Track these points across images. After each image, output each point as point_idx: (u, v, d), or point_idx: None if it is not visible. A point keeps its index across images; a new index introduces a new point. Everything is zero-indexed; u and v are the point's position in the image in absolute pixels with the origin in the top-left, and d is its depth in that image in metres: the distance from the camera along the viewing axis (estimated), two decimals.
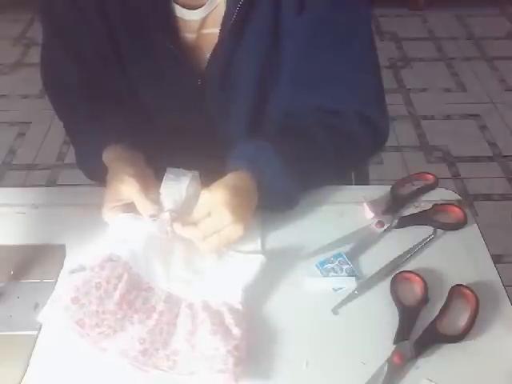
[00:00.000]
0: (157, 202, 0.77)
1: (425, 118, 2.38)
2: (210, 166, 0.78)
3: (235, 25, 0.80)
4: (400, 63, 2.70)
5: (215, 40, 0.83)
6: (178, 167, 0.81)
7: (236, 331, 0.66)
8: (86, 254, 0.73)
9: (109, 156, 0.83)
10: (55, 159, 2.17)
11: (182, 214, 0.76)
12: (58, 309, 0.66)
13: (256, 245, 0.79)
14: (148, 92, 0.91)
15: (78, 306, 0.66)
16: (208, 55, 0.85)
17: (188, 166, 0.82)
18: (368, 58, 0.88)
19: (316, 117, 0.85)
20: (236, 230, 0.73)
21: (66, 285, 0.69)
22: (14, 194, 0.90)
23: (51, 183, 2.07)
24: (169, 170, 0.80)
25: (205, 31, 0.85)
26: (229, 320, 0.68)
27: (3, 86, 2.55)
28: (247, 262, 0.75)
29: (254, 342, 0.67)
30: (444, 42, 2.87)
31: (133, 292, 0.70)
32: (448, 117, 2.40)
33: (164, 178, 0.79)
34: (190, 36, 0.86)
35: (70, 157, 2.13)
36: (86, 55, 0.89)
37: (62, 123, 0.98)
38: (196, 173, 0.81)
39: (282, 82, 0.88)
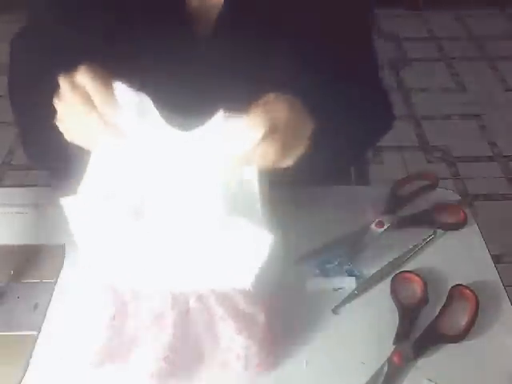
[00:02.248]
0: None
1: (425, 118, 2.38)
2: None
3: None
4: (400, 63, 2.70)
5: (220, 5, 0.83)
6: None
7: (259, 318, 0.64)
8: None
9: None
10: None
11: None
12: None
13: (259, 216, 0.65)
14: (149, 56, 0.89)
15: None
16: (210, 27, 0.85)
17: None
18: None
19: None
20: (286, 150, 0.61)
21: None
22: (14, 194, 0.90)
23: (51, 183, 2.07)
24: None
25: (210, 1, 0.85)
26: (248, 309, 0.64)
27: (3, 86, 2.55)
28: (254, 242, 0.62)
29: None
30: (444, 42, 2.87)
31: (129, 305, 0.64)
32: (448, 117, 2.39)
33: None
34: (194, 2, 0.86)
35: None
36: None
37: None
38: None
39: (285, 55, 0.87)
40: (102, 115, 0.60)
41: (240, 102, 0.88)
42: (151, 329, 0.63)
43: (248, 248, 0.62)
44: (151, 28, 0.86)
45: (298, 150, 0.63)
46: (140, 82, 0.85)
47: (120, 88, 0.61)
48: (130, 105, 0.61)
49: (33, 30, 0.94)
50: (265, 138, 0.59)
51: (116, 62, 0.85)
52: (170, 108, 0.81)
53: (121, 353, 0.65)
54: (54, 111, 0.69)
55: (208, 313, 0.63)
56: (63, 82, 0.64)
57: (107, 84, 0.62)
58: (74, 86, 0.63)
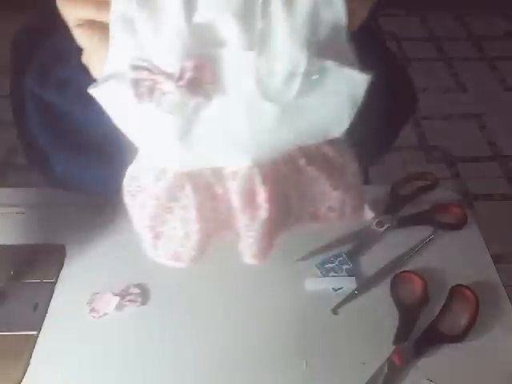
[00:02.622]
0: None
1: (425, 117, 2.38)
2: None
3: None
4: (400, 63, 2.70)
5: None
6: None
7: (351, 168, 0.59)
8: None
9: None
10: None
11: None
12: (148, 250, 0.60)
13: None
14: None
15: (166, 240, 0.59)
16: None
17: None
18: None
19: None
20: None
21: (138, 223, 0.59)
22: (14, 193, 0.90)
23: None
24: None
25: None
26: (337, 158, 0.57)
27: (3, 86, 2.55)
28: (346, 86, 0.50)
29: (253, 343, 0.67)
30: (444, 42, 2.87)
31: (216, 187, 0.55)
32: (448, 117, 2.40)
33: None
34: None
35: None
36: None
37: None
38: None
39: None
40: None
41: None
42: (244, 211, 0.55)
43: (342, 92, 0.51)
44: None
45: None
46: None
47: None
48: None
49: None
50: None
51: None
52: None
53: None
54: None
55: (299, 175, 0.56)
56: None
57: None
58: None
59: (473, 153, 2.21)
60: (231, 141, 0.51)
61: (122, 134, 0.53)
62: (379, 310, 0.72)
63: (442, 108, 2.43)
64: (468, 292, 0.72)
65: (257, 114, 0.49)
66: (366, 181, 1.12)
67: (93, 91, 0.49)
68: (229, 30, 0.44)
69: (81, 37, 0.49)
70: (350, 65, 0.49)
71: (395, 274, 0.75)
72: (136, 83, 0.45)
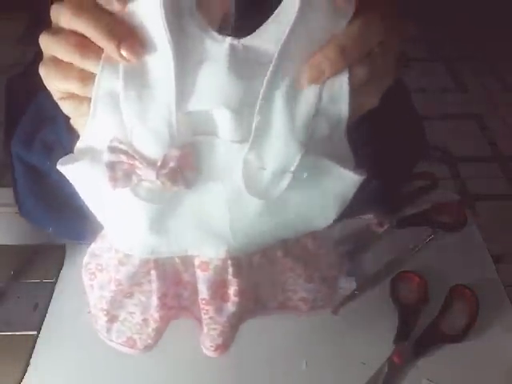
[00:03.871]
0: None
1: (425, 117, 2.37)
2: None
3: None
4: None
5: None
6: None
7: (328, 259, 0.57)
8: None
9: None
10: None
11: None
12: (102, 334, 0.58)
13: None
14: None
15: (120, 324, 0.57)
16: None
17: None
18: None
19: None
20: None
21: (93, 305, 0.57)
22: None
23: None
24: None
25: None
26: (315, 250, 0.54)
27: (3, 86, 2.55)
28: (338, 183, 0.47)
29: (253, 343, 0.67)
30: (444, 42, 2.87)
31: (183, 275, 0.52)
32: (448, 117, 2.40)
33: None
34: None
35: None
36: None
37: None
38: None
39: None
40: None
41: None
42: (211, 303, 0.52)
43: (331, 191, 0.47)
44: None
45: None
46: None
47: None
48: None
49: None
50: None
51: None
52: None
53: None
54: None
55: (273, 265, 0.53)
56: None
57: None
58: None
59: (473, 153, 2.21)
60: (207, 231, 0.48)
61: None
62: (379, 309, 0.72)
63: (442, 108, 2.43)
64: (468, 292, 0.72)
65: (238, 207, 0.45)
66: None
67: (62, 169, 0.45)
68: (222, 121, 0.41)
69: (65, 108, 0.46)
70: (344, 161, 0.45)
71: (395, 274, 0.75)
72: (112, 166, 0.42)
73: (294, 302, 0.58)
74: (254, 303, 0.56)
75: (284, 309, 0.59)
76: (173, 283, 0.52)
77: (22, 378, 0.65)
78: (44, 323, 0.70)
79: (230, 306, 0.51)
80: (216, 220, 0.46)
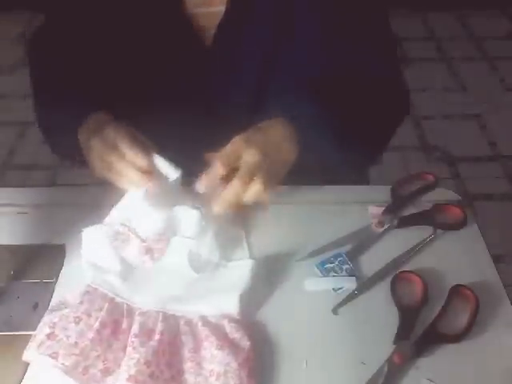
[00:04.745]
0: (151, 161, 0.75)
1: (425, 117, 2.38)
2: (210, 142, 0.73)
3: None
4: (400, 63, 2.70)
5: (221, 15, 0.84)
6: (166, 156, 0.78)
7: (244, 343, 0.66)
8: (70, 292, 0.71)
9: (94, 123, 0.80)
10: (55, 159, 2.17)
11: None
12: (33, 347, 0.65)
13: (243, 250, 0.79)
14: (150, 66, 0.89)
15: (55, 342, 0.64)
16: (213, 31, 0.86)
17: (185, 150, 0.80)
18: (385, 28, 0.91)
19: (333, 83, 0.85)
20: (271, 183, 0.71)
21: (43, 323, 0.67)
22: (14, 193, 0.90)
23: (51, 183, 2.07)
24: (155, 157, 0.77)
25: (211, 9, 0.85)
26: (233, 334, 0.67)
27: (3, 86, 2.55)
28: (238, 270, 0.74)
29: (253, 343, 0.67)
30: (444, 42, 2.87)
31: (124, 320, 0.68)
32: (448, 117, 2.40)
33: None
34: (197, 11, 0.86)
35: None
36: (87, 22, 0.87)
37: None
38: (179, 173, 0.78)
39: (294, 55, 0.87)
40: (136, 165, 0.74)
41: (240, 109, 0.90)
42: (139, 337, 0.65)
43: (232, 275, 0.74)
44: (152, 35, 0.86)
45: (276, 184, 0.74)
46: (138, 89, 0.87)
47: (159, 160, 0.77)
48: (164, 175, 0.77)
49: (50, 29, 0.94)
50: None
51: (114, 65, 0.86)
52: (168, 115, 0.83)
53: (103, 361, 0.64)
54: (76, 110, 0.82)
55: (194, 338, 0.67)
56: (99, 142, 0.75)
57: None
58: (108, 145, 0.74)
59: (473, 153, 2.21)
60: (152, 291, 0.72)
61: None
62: (379, 310, 0.72)
63: (442, 108, 2.43)
64: (468, 292, 0.72)
65: (176, 279, 0.73)
66: (366, 181, 1.12)
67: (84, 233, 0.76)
68: (185, 229, 0.77)
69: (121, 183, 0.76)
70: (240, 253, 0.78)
71: (395, 274, 0.75)
72: (117, 233, 0.76)
73: (205, 373, 0.64)
74: (170, 355, 0.65)
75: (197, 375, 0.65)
76: (113, 325, 0.67)
77: (22, 378, 0.65)
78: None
79: (153, 342, 0.65)
80: (162, 285, 0.73)
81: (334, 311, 0.72)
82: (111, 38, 0.86)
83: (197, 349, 0.66)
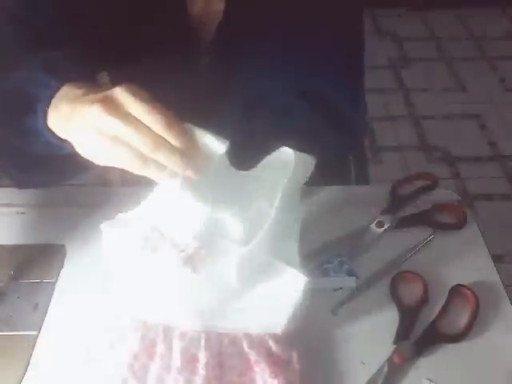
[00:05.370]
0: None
1: (425, 118, 2.38)
2: None
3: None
4: (400, 63, 2.70)
5: (220, 17, 0.84)
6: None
7: (294, 366, 0.62)
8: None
9: (72, 89, 0.60)
10: None
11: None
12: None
13: (294, 255, 0.66)
14: (149, 62, 0.89)
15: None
16: (211, 33, 0.86)
17: None
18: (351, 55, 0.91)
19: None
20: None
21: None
22: (14, 194, 0.90)
23: None
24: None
25: (211, 8, 0.85)
26: (282, 355, 0.62)
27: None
28: (288, 286, 0.63)
29: None
30: (444, 42, 2.87)
31: (160, 345, 0.61)
32: (448, 117, 2.40)
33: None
34: (196, 9, 0.86)
35: None
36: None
37: None
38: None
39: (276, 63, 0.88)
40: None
41: (238, 108, 0.90)
42: (183, 372, 0.59)
43: (283, 290, 0.63)
44: (152, 34, 0.86)
45: None
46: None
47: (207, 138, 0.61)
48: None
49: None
50: None
51: (114, 67, 0.85)
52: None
53: None
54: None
55: (241, 357, 0.62)
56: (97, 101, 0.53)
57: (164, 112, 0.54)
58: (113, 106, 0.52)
59: (473, 153, 2.21)
60: (191, 306, 0.62)
61: None
62: (379, 309, 0.72)
63: (442, 108, 2.43)
64: (468, 292, 0.72)
65: (220, 292, 0.62)
66: (366, 181, 1.12)
67: (104, 228, 0.62)
68: (233, 230, 0.61)
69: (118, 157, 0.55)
70: (293, 264, 0.63)
71: (395, 274, 0.75)
72: (146, 240, 0.60)
73: None
74: (217, 381, 0.60)
75: None
76: (148, 352, 0.61)
77: (22, 378, 0.65)
78: (44, 323, 0.70)
79: (198, 379, 0.59)
80: (201, 299, 0.62)
81: (334, 311, 0.72)
82: (109, 33, 0.85)
83: (246, 372, 0.61)
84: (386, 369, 0.65)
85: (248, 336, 0.63)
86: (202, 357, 0.60)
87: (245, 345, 0.62)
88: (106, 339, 0.62)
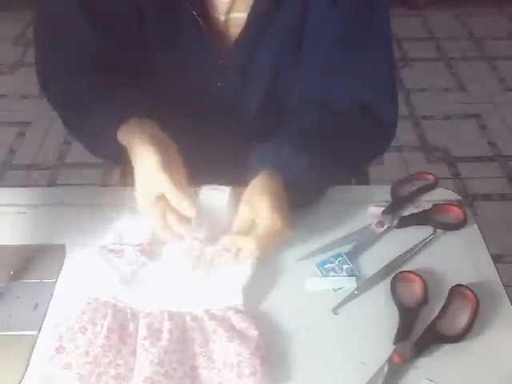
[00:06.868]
0: (189, 196, 0.74)
1: (425, 118, 2.38)
2: (220, 152, 0.76)
3: (264, 11, 0.82)
4: (400, 63, 2.70)
5: (242, 25, 0.84)
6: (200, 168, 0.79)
7: (252, 332, 0.66)
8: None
9: (128, 130, 0.78)
10: (55, 159, 2.17)
11: (217, 234, 0.75)
12: (43, 362, 0.65)
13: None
14: (169, 67, 0.89)
15: (64, 354, 0.65)
16: (234, 39, 0.86)
17: (199, 151, 0.81)
18: (388, 58, 0.90)
19: (328, 108, 0.86)
20: (287, 232, 0.74)
21: (50, 338, 0.67)
22: (14, 193, 0.90)
23: (51, 183, 2.07)
24: (203, 188, 0.80)
25: (233, 15, 0.86)
26: (239, 323, 0.68)
27: (3, 86, 2.55)
28: (239, 264, 0.74)
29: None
30: (444, 42, 2.87)
31: (130, 324, 0.68)
32: (448, 117, 2.39)
33: (198, 196, 0.79)
34: (218, 16, 0.86)
35: (71, 156, 2.12)
36: (109, 23, 0.84)
37: (61, 121, 0.92)
38: (229, 189, 0.80)
39: (299, 73, 0.89)
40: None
41: (252, 119, 0.91)
42: (148, 339, 0.66)
43: (233, 270, 0.74)
44: (172, 47, 0.86)
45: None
46: (155, 99, 0.86)
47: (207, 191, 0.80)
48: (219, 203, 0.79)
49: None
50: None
51: (132, 73, 0.85)
52: (184, 126, 0.83)
53: (114, 367, 0.65)
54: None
55: (202, 332, 0.67)
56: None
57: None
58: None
59: (473, 153, 2.21)
60: (155, 292, 0.72)
61: None
62: (379, 310, 0.72)
63: (442, 108, 2.43)
64: (468, 292, 0.72)
65: (179, 276, 0.73)
66: (366, 181, 1.12)
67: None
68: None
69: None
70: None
71: (395, 274, 0.75)
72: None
73: (218, 364, 0.65)
74: (181, 353, 0.66)
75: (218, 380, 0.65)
76: (119, 330, 0.68)
77: (22, 378, 0.65)
78: (44, 323, 0.70)
79: (163, 342, 0.66)
80: (162, 285, 0.73)
81: (334, 311, 0.72)
82: (129, 41, 0.85)
83: (206, 343, 0.66)
84: (386, 369, 0.65)
85: (208, 311, 0.69)
86: (166, 328, 0.67)
87: (206, 318, 0.69)
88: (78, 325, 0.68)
